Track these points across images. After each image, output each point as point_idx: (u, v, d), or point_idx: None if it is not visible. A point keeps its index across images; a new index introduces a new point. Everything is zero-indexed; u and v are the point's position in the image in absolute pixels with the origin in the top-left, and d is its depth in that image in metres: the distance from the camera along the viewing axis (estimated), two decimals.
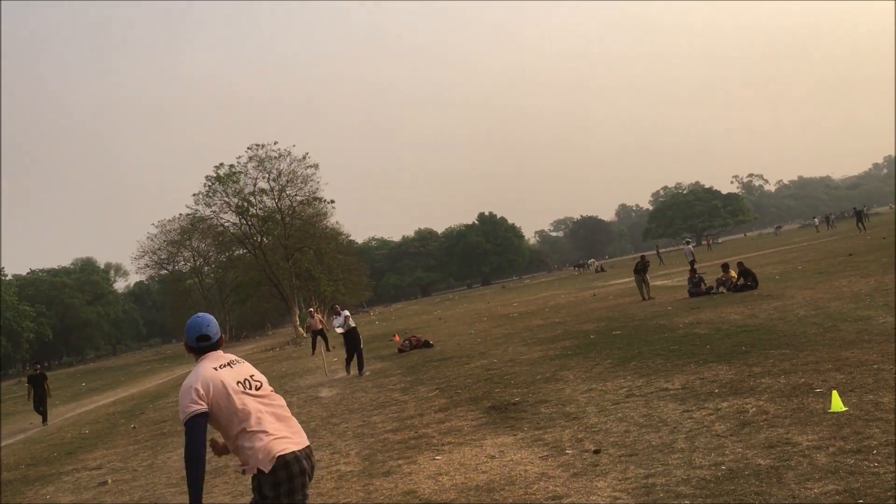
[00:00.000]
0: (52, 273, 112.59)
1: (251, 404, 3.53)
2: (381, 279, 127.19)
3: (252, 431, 3.47)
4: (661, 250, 58.78)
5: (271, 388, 3.73)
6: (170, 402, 18.96)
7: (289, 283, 52.09)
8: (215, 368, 3.58)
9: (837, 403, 5.96)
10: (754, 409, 6.48)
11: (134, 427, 14.78)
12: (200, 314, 3.81)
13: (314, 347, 25.06)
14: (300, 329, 49.53)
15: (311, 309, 31.01)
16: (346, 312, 16.01)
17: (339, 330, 15.85)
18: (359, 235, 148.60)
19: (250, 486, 3.54)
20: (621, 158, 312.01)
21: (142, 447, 11.60)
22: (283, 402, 3.71)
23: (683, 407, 7.06)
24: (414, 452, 7.33)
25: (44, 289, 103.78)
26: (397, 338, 23.91)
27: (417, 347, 19.43)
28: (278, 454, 3.43)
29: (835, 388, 6.35)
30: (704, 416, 6.58)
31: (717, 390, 7.51)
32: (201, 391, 3.47)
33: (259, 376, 3.70)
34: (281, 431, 3.54)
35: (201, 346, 3.67)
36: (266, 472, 3.41)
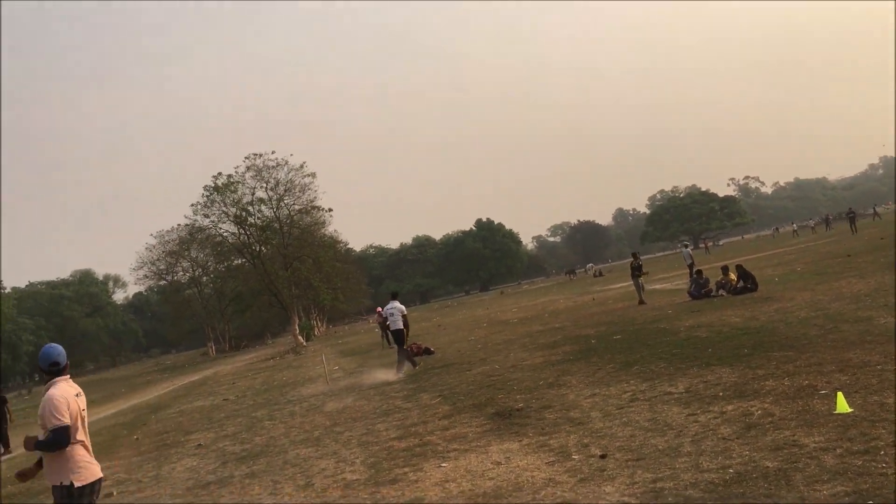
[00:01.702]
0: (52, 285, 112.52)
1: (79, 434, 4.80)
2: (379, 286, 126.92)
3: (77, 452, 4.74)
4: (657, 254, 58.77)
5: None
6: (172, 413, 18.95)
7: (288, 291, 52.09)
8: (74, 395, 4.85)
9: (843, 405, 5.98)
10: (759, 411, 6.50)
11: (137, 438, 14.76)
12: (51, 345, 4.96)
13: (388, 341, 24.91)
14: (300, 338, 49.52)
15: (379, 309, 31.13)
16: (403, 307, 15.98)
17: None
18: (357, 243, 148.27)
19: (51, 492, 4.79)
20: (618, 162, 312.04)
21: (145, 458, 11.58)
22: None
23: (688, 410, 7.07)
24: (419, 460, 7.33)
25: (43, 301, 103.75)
26: None
27: (418, 355, 19.39)
28: (90, 480, 4.74)
29: (839, 390, 6.37)
30: (710, 419, 6.59)
31: (721, 393, 7.52)
32: (64, 408, 4.69)
33: (85, 412, 4.95)
34: (92, 461, 4.86)
35: (52, 370, 4.87)
36: (76, 486, 4.66)
